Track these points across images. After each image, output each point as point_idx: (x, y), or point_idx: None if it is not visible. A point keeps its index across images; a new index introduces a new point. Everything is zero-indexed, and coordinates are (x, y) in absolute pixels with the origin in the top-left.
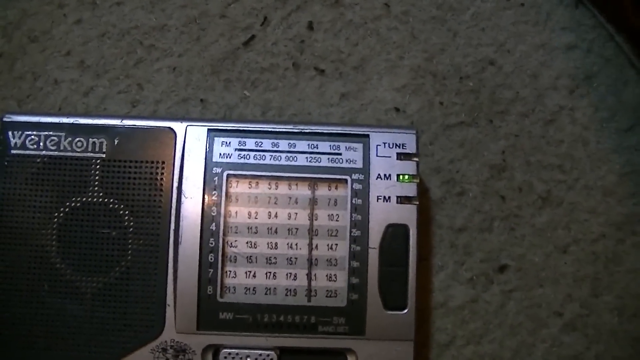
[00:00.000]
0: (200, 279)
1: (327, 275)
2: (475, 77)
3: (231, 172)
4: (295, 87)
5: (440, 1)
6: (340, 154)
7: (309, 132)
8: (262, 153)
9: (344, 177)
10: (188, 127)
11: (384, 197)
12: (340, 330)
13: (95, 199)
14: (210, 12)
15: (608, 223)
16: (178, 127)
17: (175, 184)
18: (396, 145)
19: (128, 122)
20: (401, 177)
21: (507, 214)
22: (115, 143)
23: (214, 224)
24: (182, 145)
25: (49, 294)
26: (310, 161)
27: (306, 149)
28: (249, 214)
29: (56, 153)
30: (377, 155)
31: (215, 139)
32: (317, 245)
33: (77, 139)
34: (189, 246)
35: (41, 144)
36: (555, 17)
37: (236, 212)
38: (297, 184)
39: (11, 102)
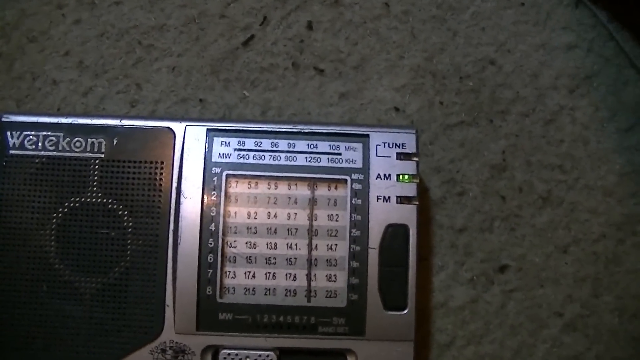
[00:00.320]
0: (199, 280)
1: (326, 276)
2: (476, 77)
3: (230, 172)
4: (295, 87)
5: (440, 1)
6: (339, 154)
7: (309, 132)
8: (261, 153)
9: (343, 177)
10: (187, 127)
11: (384, 197)
12: (340, 331)
13: (94, 200)
14: (209, 11)
15: (608, 223)
16: (177, 127)
17: (175, 184)
18: (396, 145)
19: (127, 122)
20: (401, 177)
21: (507, 214)
22: (114, 143)
23: (213, 224)
24: (181, 145)
25: (47, 294)
26: (309, 161)
27: (306, 149)
28: (249, 214)
29: (55, 153)
30: (376, 155)
31: (215, 139)
32: (316, 246)
33: (76, 139)
34: (188, 246)
35: (40, 144)
36: (555, 17)
37: (235, 213)
38: (296, 184)
39: (10, 103)
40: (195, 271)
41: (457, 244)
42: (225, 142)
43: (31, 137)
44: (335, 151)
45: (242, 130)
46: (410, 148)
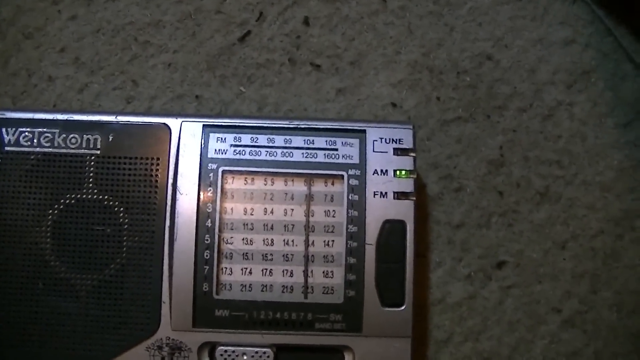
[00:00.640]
0: (195, 276)
1: (323, 272)
2: (473, 72)
3: (227, 168)
4: (292, 83)
5: None
6: (336, 150)
7: (305, 128)
8: (257, 149)
9: (340, 172)
10: (183, 123)
11: (381, 192)
12: (337, 327)
13: (89, 196)
14: (205, 7)
15: (606, 219)
16: (173, 123)
17: (171, 181)
18: (393, 140)
19: (122, 119)
20: (398, 172)
21: (505, 210)
22: (110, 139)
23: (209, 220)
24: (177, 142)
25: (43, 291)
26: (306, 157)
27: (302, 145)
28: (245, 210)
29: (50, 150)
30: (373, 151)
31: (211, 135)
32: (313, 242)
33: (71, 136)
34: (184, 243)
35: (35, 140)
36: (552, 12)
37: (232, 209)
38: (293, 180)
39: (6, 99)
40: (191, 268)
41: (454, 240)
42: (221, 138)
43: (26, 133)
44: (332, 147)
45: (238, 126)
46: (408, 143)
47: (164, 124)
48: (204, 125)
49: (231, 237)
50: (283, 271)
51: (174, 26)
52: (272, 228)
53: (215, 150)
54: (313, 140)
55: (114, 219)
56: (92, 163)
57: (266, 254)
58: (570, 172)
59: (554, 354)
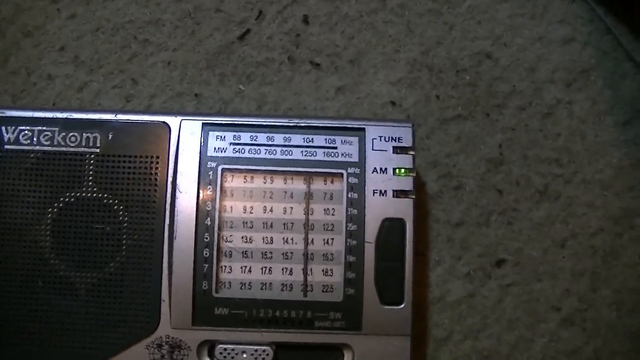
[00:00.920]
0: (195, 274)
1: (323, 270)
2: (472, 71)
3: (226, 166)
4: (291, 81)
5: None
6: (335, 148)
7: (304, 126)
8: (257, 147)
9: (339, 170)
10: (182, 122)
11: (380, 191)
12: (336, 326)
13: (89, 194)
14: (205, 6)
15: (606, 217)
16: (172, 121)
17: (170, 179)
18: (392, 138)
19: (122, 117)
20: (397, 170)
21: (504, 208)
22: (109, 138)
23: (209, 218)
24: (176, 140)
25: (43, 289)
26: (305, 155)
27: (301, 143)
28: (244, 209)
29: (50, 148)
30: (373, 149)
31: (210, 133)
32: (312, 240)
33: (71, 134)
34: (183, 241)
35: (35, 139)
36: (552, 10)
37: (231, 207)
38: (292, 178)
39: (5, 98)
40: (191, 266)
41: (453, 238)
42: (221, 137)
43: (26, 132)
44: (331, 145)
45: (238, 124)
46: (407, 142)
47: (164, 122)
48: (203, 123)
49: (231, 235)
50: (282, 269)
51: (173, 24)
52: (271, 226)
53: (215, 148)
54: (312, 139)
55: (114, 217)
56: (92, 161)
57: (266, 252)
58: (569, 171)
59: (553, 353)
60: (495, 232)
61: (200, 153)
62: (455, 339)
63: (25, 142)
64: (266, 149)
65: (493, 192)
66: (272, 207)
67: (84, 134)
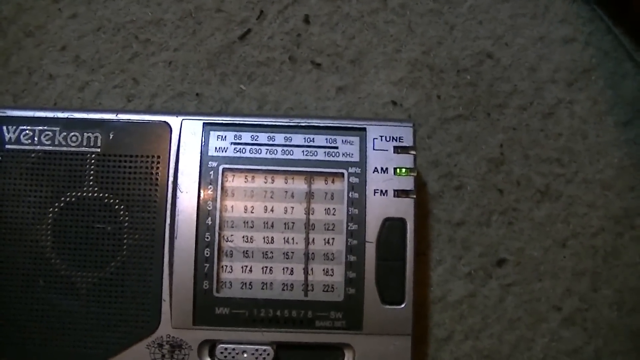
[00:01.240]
0: (196, 274)
1: (323, 270)
2: (473, 70)
3: (227, 166)
4: (292, 81)
5: None
6: (336, 148)
7: (306, 126)
8: (258, 147)
9: (340, 170)
10: (183, 121)
11: (381, 190)
12: (337, 325)
13: (90, 194)
14: (206, 5)
15: (607, 217)
16: (173, 121)
17: (171, 179)
18: (393, 138)
19: (123, 117)
20: (398, 170)
21: (505, 208)
22: (110, 137)
23: (209, 218)
24: (177, 140)
25: (44, 289)
26: (306, 155)
27: (302, 143)
28: (245, 208)
29: (51, 148)
30: (374, 149)
31: (211, 132)
32: (313, 240)
33: (72, 134)
34: (184, 241)
35: (36, 138)
36: (553, 10)
37: (232, 207)
38: (293, 178)
39: (6, 97)
40: (191, 265)
41: (455, 238)
42: (222, 136)
43: (27, 131)
44: (332, 145)
45: (239, 124)
46: (408, 141)
47: (165, 122)
48: (204, 123)
49: (231, 235)
50: (283, 269)
51: (174, 24)
52: (272, 226)
53: (216, 148)
54: (313, 138)
55: (115, 216)
56: (93, 161)
57: (266, 251)
58: (570, 170)
59: (554, 352)
60: (496, 232)
61: (201, 153)
62: (456, 339)
63: (26, 141)
64: (267, 149)
65: (494, 192)
66: (272, 207)
67: (85, 133)
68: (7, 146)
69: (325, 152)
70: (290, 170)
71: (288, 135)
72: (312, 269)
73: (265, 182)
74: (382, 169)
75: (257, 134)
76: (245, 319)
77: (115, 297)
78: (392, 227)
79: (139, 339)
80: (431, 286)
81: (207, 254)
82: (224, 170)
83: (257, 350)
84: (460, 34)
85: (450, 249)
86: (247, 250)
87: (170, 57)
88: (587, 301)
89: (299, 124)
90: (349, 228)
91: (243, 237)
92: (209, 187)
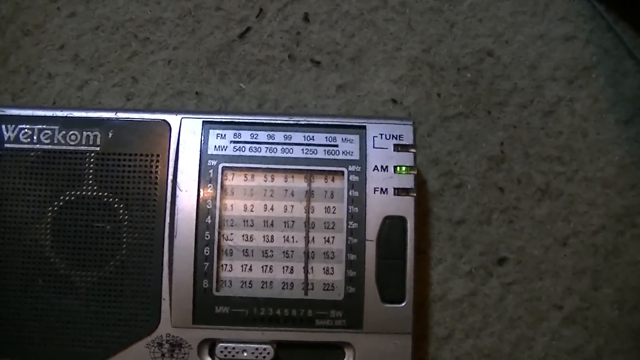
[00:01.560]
0: (195, 273)
1: (324, 268)
2: (473, 68)
3: (226, 164)
4: (291, 79)
5: None
6: (336, 146)
7: (305, 124)
8: (257, 145)
9: (340, 169)
10: (183, 120)
11: (381, 189)
12: (337, 324)
13: (89, 193)
14: (205, 4)
15: (608, 215)
16: (173, 119)
17: (170, 177)
18: (393, 136)
19: (122, 115)
20: (398, 168)
21: (506, 206)
22: (110, 136)
23: (209, 217)
24: (177, 138)
25: (43, 288)
26: (306, 153)
27: (302, 141)
28: (245, 207)
29: (50, 147)
30: (374, 147)
31: (211, 131)
32: (313, 238)
33: (71, 133)
34: (184, 239)
35: (35, 137)
36: (553, 8)
37: (232, 205)
38: (293, 176)
39: (5, 96)
40: (191, 264)
41: (455, 236)
42: (221, 135)
43: (26, 130)
44: (332, 143)
45: (238, 122)
46: (408, 139)
47: (164, 120)
48: (203, 121)
49: (231, 234)
50: (283, 268)
51: (173, 23)
52: (272, 224)
53: (215, 146)
54: (313, 137)
55: (114, 215)
56: (92, 160)
57: (266, 250)
58: (571, 169)
59: (555, 351)
60: (496, 230)
61: (200, 151)
62: (456, 338)
63: (25, 140)
64: (267, 147)
65: (494, 190)
66: (272, 205)
67: (84, 132)
68: (6, 145)
69: (325, 150)
70: (290, 169)
71: (288, 133)
72: (312, 268)
73: (265, 181)
74: (382, 167)
75: (257, 132)
76: (245, 317)
77: (115, 296)
78: (392, 225)
79: (138, 338)
80: (431, 285)
81: (206, 252)
82: (223, 168)
83: (257, 349)
84: (461, 32)
85: (451, 248)
86: (247, 249)
87: (169, 55)
88: (588, 300)
89: (299, 122)
90: (349, 226)
91: (243, 235)
92: (208, 185)
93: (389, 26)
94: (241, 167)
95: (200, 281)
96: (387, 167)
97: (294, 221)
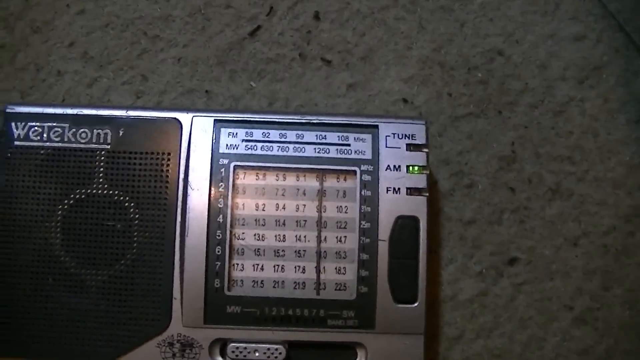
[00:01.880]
0: (207, 272)
1: (336, 268)
2: (484, 68)
3: (238, 163)
4: (302, 78)
5: None
6: (349, 145)
7: (317, 123)
8: (269, 144)
9: (353, 168)
10: (194, 118)
11: (394, 188)
12: (349, 324)
13: (100, 191)
14: (215, 2)
15: (618, 215)
16: (184, 117)
17: (182, 176)
18: (406, 136)
19: (133, 113)
20: (411, 168)
21: (516, 206)
22: (120, 134)
23: (221, 216)
24: (188, 136)
25: (53, 287)
26: (318, 152)
27: (314, 140)
28: (257, 206)
29: (60, 144)
30: (386, 146)
31: (222, 129)
32: (325, 238)
33: (82, 130)
34: (195, 239)
35: (45, 135)
36: (563, 7)
37: (243, 204)
38: (305, 176)
39: (14, 94)
40: (202, 264)
41: (466, 236)
42: (233, 133)
43: (36, 128)
44: (344, 142)
45: (250, 121)
46: (420, 139)
47: (175, 118)
48: (215, 120)
49: (243, 233)
50: (295, 267)
51: (183, 20)
52: (284, 224)
53: (227, 145)
54: (325, 136)
55: (125, 214)
56: (103, 158)
57: (278, 250)
58: (581, 169)
59: (565, 352)
60: (507, 231)
61: (212, 150)
62: (467, 338)
63: (35, 138)
64: (279, 146)
65: (505, 190)
66: (284, 205)
67: (94, 130)
68: (16, 143)
69: (337, 150)
70: (302, 168)
71: (300, 132)
72: (324, 268)
73: (277, 180)
74: (394, 166)
75: (269, 131)
76: (257, 317)
77: (125, 295)
78: (404, 225)
79: (149, 337)
80: (442, 285)
81: (218, 252)
82: (235, 167)
83: (268, 349)
84: (471, 31)
85: (461, 248)
86: (258, 249)
87: (179, 53)
88: (598, 300)
89: (311, 121)
90: (361, 226)
91: (254, 235)
92: (220, 184)
93: (399, 25)
94: (253, 166)
95: (211, 280)
96: (399, 166)
97: (306, 220)
